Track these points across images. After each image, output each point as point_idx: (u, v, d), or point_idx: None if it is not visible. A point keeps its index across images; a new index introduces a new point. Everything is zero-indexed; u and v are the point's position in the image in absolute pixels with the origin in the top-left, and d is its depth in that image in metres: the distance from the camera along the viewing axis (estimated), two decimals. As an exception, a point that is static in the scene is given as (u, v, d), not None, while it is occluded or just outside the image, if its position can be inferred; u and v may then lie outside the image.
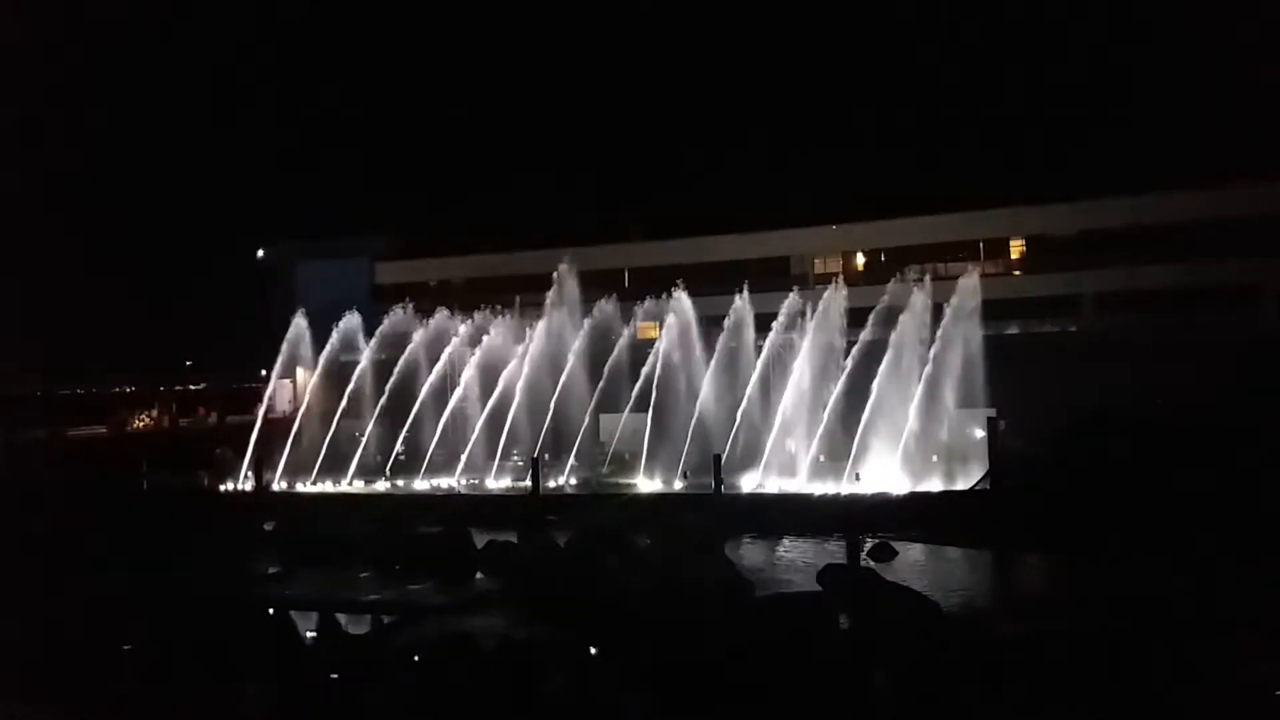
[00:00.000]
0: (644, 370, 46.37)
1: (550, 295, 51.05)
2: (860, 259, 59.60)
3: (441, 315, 52.62)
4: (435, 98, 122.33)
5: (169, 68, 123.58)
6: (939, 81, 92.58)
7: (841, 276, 51.11)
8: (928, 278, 46.76)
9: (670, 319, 47.55)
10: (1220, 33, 64.03)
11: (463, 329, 51.52)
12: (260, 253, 71.37)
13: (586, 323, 49.28)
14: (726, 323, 46.77)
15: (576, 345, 48.64)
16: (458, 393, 49.29)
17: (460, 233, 67.73)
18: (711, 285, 50.08)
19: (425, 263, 66.77)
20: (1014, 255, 56.50)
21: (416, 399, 49.26)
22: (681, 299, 47.57)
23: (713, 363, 45.74)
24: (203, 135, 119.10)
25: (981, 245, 56.14)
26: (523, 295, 53.96)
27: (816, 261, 59.32)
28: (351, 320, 53.18)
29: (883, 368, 41.28)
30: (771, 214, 59.13)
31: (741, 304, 47.08)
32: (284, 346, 52.65)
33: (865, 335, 42.96)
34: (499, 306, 52.23)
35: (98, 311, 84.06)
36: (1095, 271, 50.83)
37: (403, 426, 49.36)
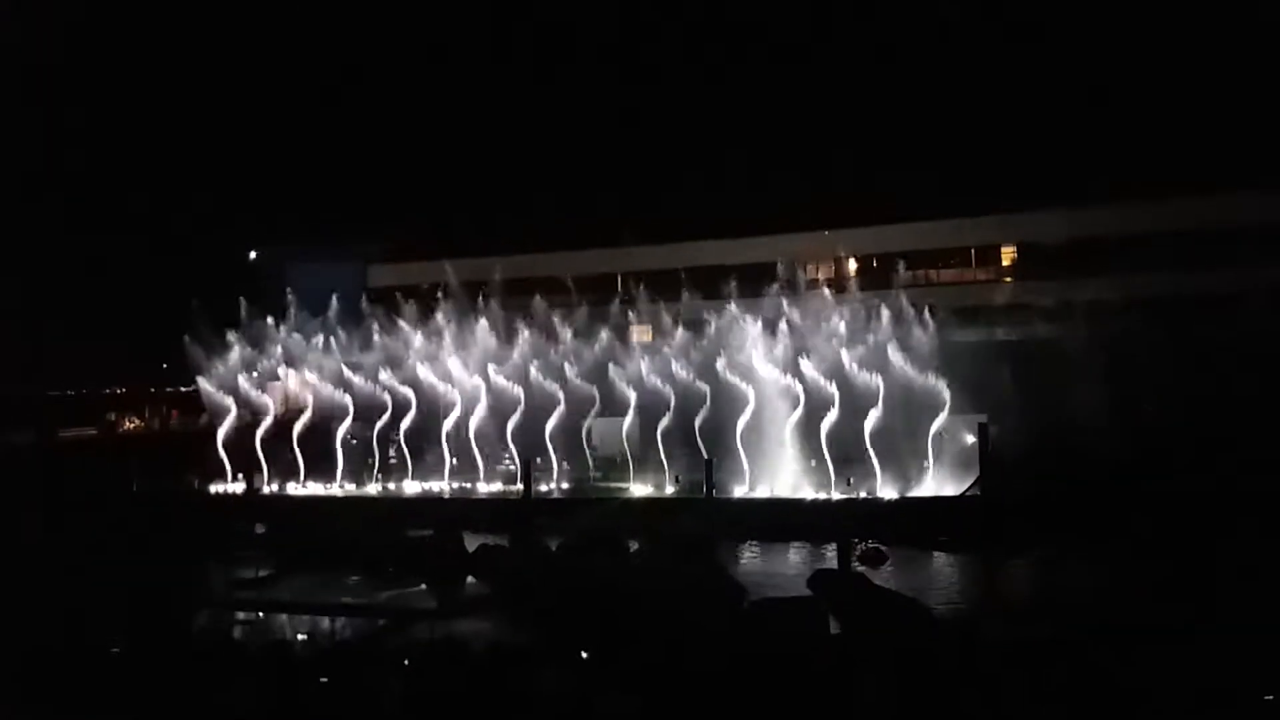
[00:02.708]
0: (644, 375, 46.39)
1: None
2: (850, 265, 59.68)
3: (435, 318, 52.69)
4: (427, 100, 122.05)
5: (157, 62, 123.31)
6: (929, 86, 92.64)
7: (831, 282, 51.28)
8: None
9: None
10: (1213, 38, 64.42)
11: (449, 332, 51.53)
12: (252, 254, 71.09)
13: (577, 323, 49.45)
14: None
15: (570, 349, 48.71)
16: (453, 397, 49.10)
17: (453, 237, 67.58)
18: (699, 290, 50.25)
19: (418, 266, 66.51)
20: (1004, 262, 56.67)
21: (408, 402, 49.17)
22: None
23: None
24: (194, 135, 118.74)
25: (972, 252, 56.40)
26: (512, 299, 53.87)
27: (806, 267, 59.30)
28: (344, 323, 53.24)
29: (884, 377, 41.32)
30: (760, 219, 59.09)
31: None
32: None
33: (866, 342, 43.13)
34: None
35: (87, 312, 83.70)
36: (1085, 279, 51.00)
37: (394, 430, 49.25)
